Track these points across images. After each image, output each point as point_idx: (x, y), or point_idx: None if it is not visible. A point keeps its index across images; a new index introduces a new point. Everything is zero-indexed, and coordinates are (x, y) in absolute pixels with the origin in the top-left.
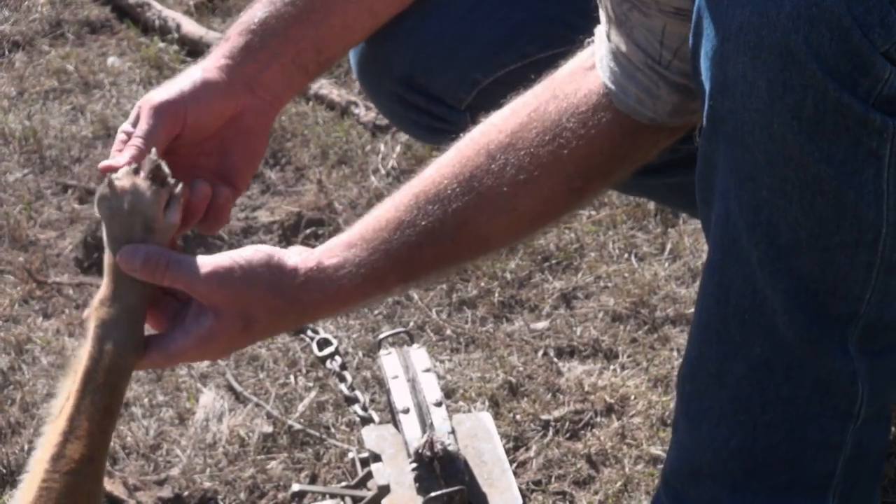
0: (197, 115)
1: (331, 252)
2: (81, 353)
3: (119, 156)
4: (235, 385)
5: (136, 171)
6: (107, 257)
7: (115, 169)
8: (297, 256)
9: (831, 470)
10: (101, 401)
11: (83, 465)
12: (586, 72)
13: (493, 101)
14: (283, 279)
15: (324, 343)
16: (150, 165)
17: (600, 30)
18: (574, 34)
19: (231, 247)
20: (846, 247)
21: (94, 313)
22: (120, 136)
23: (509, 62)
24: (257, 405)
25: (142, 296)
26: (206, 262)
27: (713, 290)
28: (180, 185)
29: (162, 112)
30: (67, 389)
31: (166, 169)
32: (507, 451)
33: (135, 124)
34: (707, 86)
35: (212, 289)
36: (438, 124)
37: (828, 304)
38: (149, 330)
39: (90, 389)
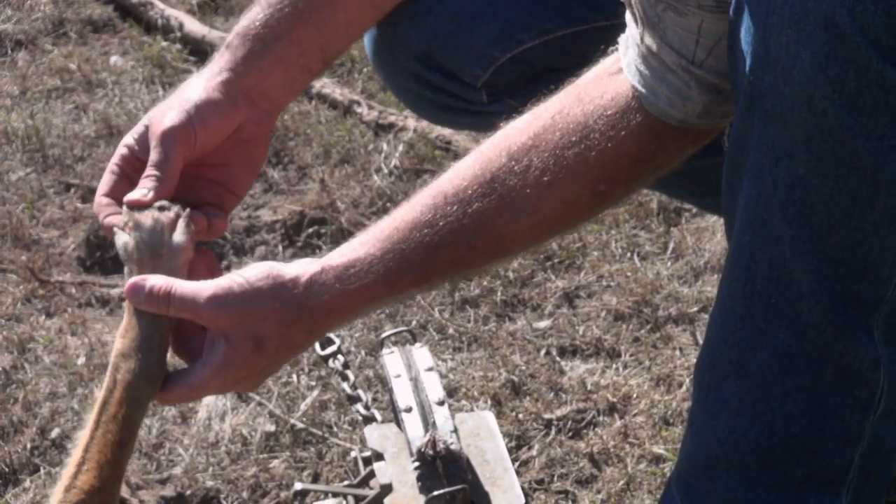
0: (205, 137)
1: (338, 253)
2: (102, 385)
3: (141, 189)
4: None
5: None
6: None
7: (141, 203)
8: (299, 265)
9: (848, 464)
10: (114, 432)
11: (92, 496)
12: (612, 76)
13: (509, 78)
14: (285, 288)
15: (326, 342)
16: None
17: (625, 36)
18: (591, 13)
19: (234, 246)
20: (878, 227)
21: (115, 345)
22: (122, 151)
23: (527, 39)
24: (260, 404)
25: (155, 326)
26: (208, 287)
27: (740, 273)
28: (186, 210)
29: (173, 139)
30: (89, 419)
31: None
32: (510, 450)
33: (139, 140)
34: (747, 61)
35: (215, 313)
36: (454, 102)
37: (856, 288)
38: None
39: (103, 420)
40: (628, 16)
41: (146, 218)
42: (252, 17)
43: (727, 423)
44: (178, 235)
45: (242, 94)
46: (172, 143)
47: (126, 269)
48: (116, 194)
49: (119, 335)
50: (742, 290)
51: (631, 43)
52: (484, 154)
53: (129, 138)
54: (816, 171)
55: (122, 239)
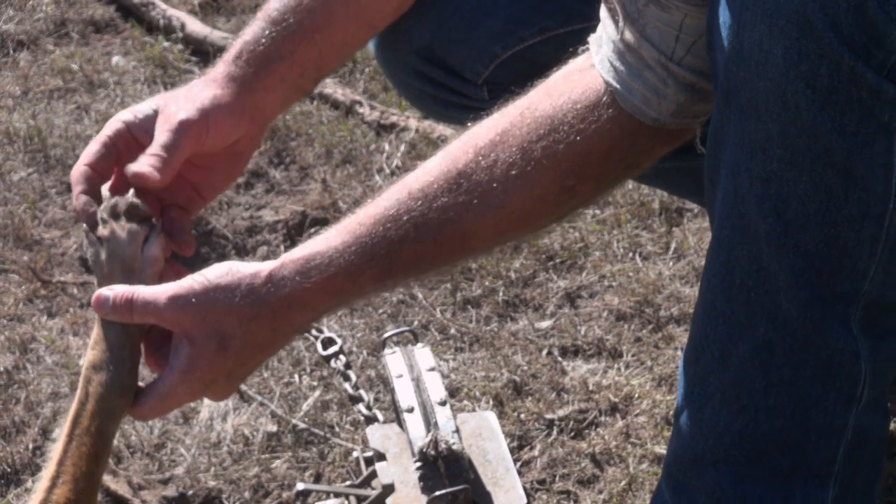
0: (213, 139)
1: (300, 248)
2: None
3: (148, 166)
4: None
5: (115, 212)
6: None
7: (147, 181)
8: (262, 263)
9: (833, 456)
10: (87, 445)
11: None
12: (583, 72)
13: (509, 75)
14: (244, 283)
15: (328, 342)
16: (126, 206)
17: (597, 35)
18: (592, 10)
19: (236, 246)
20: (853, 220)
21: (87, 358)
22: (116, 125)
23: (528, 37)
24: (262, 404)
25: (125, 336)
26: (167, 289)
27: (719, 268)
28: (159, 223)
29: (187, 130)
30: (62, 432)
31: (144, 207)
32: (512, 450)
33: (141, 121)
34: (722, 56)
35: (177, 313)
36: (455, 98)
37: (832, 282)
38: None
39: (76, 433)
40: (604, 12)
41: (121, 230)
42: (258, 32)
43: (711, 418)
44: (151, 247)
45: (247, 108)
46: (186, 134)
47: (97, 278)
48: (100, 167)
49: (90, 346)
50: (722, 284)
51: (605, 40)
52: (450, 151)
53: (130, 114)
54: (790, 165)
55: (94, 250)
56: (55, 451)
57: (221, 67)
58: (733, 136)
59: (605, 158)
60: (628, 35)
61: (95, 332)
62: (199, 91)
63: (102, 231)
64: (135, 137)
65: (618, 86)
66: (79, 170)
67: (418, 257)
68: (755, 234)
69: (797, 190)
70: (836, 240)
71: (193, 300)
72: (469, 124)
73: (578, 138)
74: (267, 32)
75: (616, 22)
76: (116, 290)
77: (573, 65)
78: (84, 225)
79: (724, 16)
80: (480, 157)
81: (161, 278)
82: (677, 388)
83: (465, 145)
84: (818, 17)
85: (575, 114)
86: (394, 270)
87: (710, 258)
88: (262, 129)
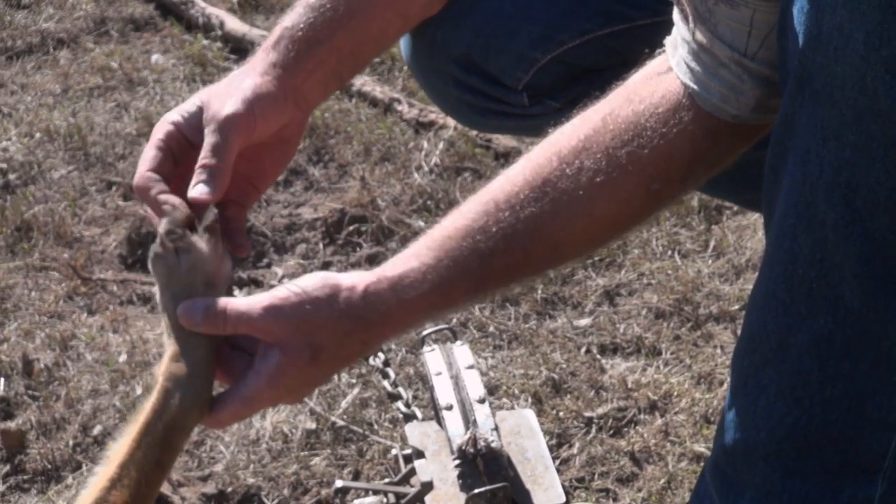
0: (261, 128)
1: (392, 264)
2: (146, 404)
3: (200, 186)
4: None
5: (192, 224)
6: (165, 318)
7: (203, 203)
8: (355, 275)
9: (884, 451)
10: (155, 454)
11: None
12: (661, 76)
13: (550, 80)
14: (342, 297)
15: None
16: (210, 221)
17: (672, 37)
18: (632, 11)
19: (275, 244)
20: None
21: (164, 368)
22: (167, 127)
23: (568, 40)
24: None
25: (208, 351)
26: (263, 298)
27: (782, 257)
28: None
29: (234, 126)
30: (127, 435)
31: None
32: (551, 448)
33: (188, 119)
34: (798, 41)
35: (271, 322)
36: (494, 106)
37: None
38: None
39: (146, 442)
40: (676, 14)
41: (203, 244)
42: (297, 18)
43: (765, 410)
44: (229, 262)
45: (290, 92)
46: (233, 130)
47: (164, 290)
48: (162, 170)
49: (169, 357)
50: (783, 273)
51: (680, 41)
52: (533, 159)
53: (176, 115)
54: (863, 152)
55: (169, 261)
56: (117, 452)
57: (261, 55)
58: (804, 123)
59: (689, 160)
60: (700, 35)
61: (173, 347)
62: (241, 81)
63: (180, 243)
64: (185, 137)
65: (695, 86)
66: (144, 176)
67: (509, 268)
68: (822, 223)
69: (868, 178)
70: None
71: (290, 311)
72: (549, 130)
73: (662, 142)
74: (305, 18)
75: (687, 23)
76: (206, 302)
77: (651, 67)
78: (162, 229)
79: (801, 1)
80: (565, 165)
81: None
82: (716, 386)
83: (547, 153)
84: None
85: (657, 118)
86: (485, 283)
87: (772, 247)
88: (306, 114)
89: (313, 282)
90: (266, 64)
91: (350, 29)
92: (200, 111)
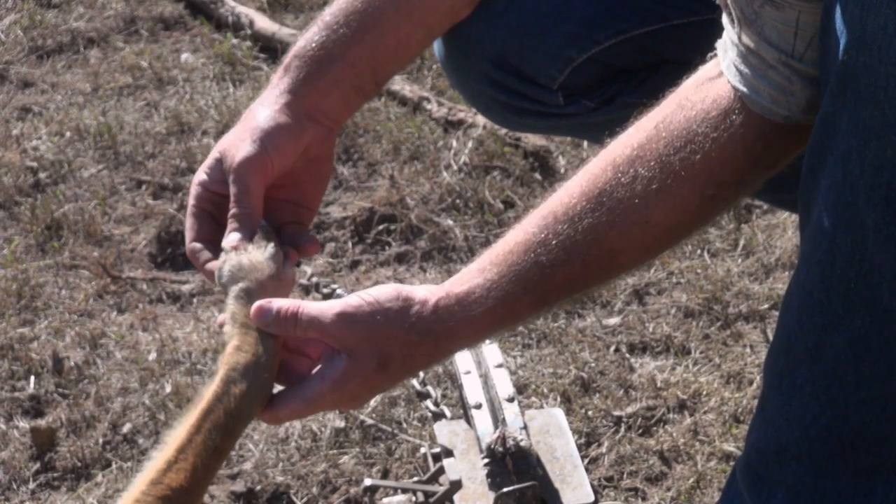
0: (280, 162)
1: (459, 280)
2: (205, 392)
3: (233, 235)
4: None
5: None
6: (232, 309)
7: (233, 248)
8: (425, 289)
9: None
10: (214, 440)
11: (178, 495)
12: (712, 80)
13: (584, 79)
14: (413, 311)
15: None
16: (265, 233)
17: (723, 40)
18: (668, 10)
19: None
20: None
21: (228, 357)
22: (196, 190)
23: (603, 39)
24: None
25: (273, 349)
26: (335, 305)
27: (821, 256)
28: (286, 247)
29: (251, 169)
30: (186, 422)
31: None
32: (579, 447)
33: (211, 174)
34: (841, 42)
35: (342, 330)
36: (528, 105)
37: None
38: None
39: (207, 427)
40: (724, 18)
41: (268, 244)
42: (309, 38)
43: (799, 410)
44: (289, 269)
45: (305, 113)
46: (251, 173)
47: (235, 291)
48: (205, 235)
49: (235, 347)
50: (822, 273)
51: (729, 45)
52: (590, 170)
53: (202, 174)
54: None
55: (235, 260)
56: (176, 437)
57: (275, 80)
58: (846, 123)
59: (743, 163)
60: (746, 38)
61: (238, 339)
62: (252, 119)
63: (241, 248)
64: (215, 192)
65: (745, 89)
66: (192, 248)
67: (570, 280)
68: (862, 223)
69: None
70: None
71: (362, 320)
72: (606, 139)
73: (714, 147)
74: (317, 37)
75: (734, 26)
76: (281, 303)
77: (702, 73)
78: (225, 243)
79: (844, 2)
80: (620, 174)
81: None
82: (745, 385)
83: (603, 163)
84: None
85: (709, 123)
86: (548, 295)
87: (809, 247)
88: (332, 129)
89: (386, 293)
90: (277, 91)
91: (365, 44)
92: (220, 162)
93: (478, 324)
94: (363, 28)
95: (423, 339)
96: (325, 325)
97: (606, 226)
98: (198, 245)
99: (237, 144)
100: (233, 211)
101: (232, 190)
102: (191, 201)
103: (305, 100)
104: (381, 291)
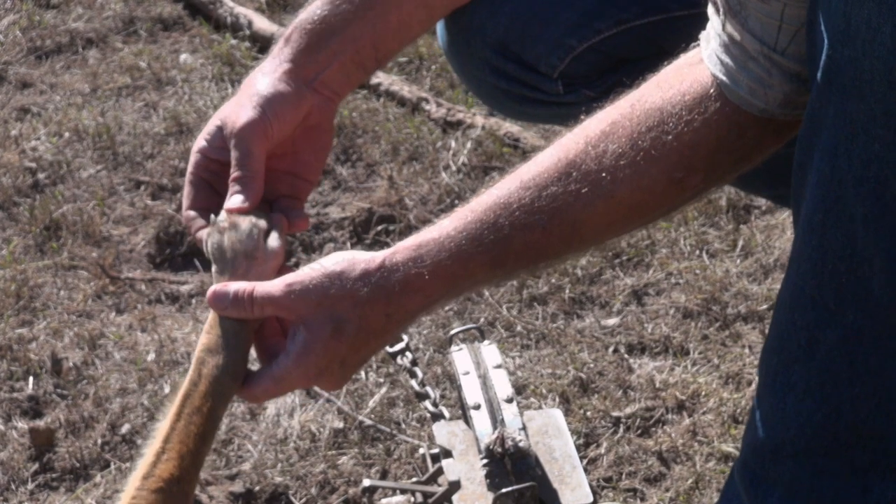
0: (280, 128)
1: (414, 235)
2: (184, 378)
3: (236, 196)
4: None
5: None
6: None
7: (241, 211)
8: (376, 252)
9: None
10: (197, 424)
11: (171, 485)
12: (693, 66)
13: (584, 68)
14: (359, 269)
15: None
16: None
17: (706, 31)
18: (669, 2)
19: (303, 243)
20: None
21: (200, 341)
22: (195, 158)
23: (604, 29)
24: (328, 401)
25: (240, 324)
26: (285, 279)
27: (810, 253)
28: (278, 215)
29: (252, 134)
30: (168, 412)
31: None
32: (578, 448)
33: (211, 142)
34: (826, 36)
35: (294, 301)
36: (528, 93)
37: None
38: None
39: (186, 413)
40: (710, 8)
41: (243, 221)
42: (310, 11)
43: (794, 408)
44: (273, 241)
45: (305, 82)
46: (252, 138)
47: (214, 269)
48: (200, 203)
49: (205, 331)
50: (812, 269)
51: (713, 34)
52: (562, 143)
53: (202, 141)
54: (893, 146)
55: (215, 239)
56: (161, 428)
57: (275, 50)
58: (832, 118)
59: (714, 150)
60: (730, 28)
61: (211, 317)
62: (251, 86)
63: (221, 221)
64: (214, 160)
65: (724, 78)
66: (186, 215)
67: (528, 246)
68: (851, 217)
69: None
70: None
71: (310, 287)
72: (582, 116)
73: (686, 129)
74: (319, 11)
75: (719, 16)
76: (236, 286)
77: (683, 59)
78: (213, 217)
79: None
80: (591, 148)
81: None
82: (744, 385)
83: (576, 136)
84: None
85: (683, 105)
86: (504, 258)
87: (800, 244)
88: (332, 99)
89: (334, 258)
90: (277, 61)
91: (367, 20)
92: (220, 129)
93: (428, 277)
94: (365, 5)
95: (373, 294)
96: (278, 299)
97: (572, 196)
98: (192, 213)
99: (237, 111)
100: (235, 174)
101: (234, 154)
102: (189, 168)
103: (305, 69)
104: (329, 258)
